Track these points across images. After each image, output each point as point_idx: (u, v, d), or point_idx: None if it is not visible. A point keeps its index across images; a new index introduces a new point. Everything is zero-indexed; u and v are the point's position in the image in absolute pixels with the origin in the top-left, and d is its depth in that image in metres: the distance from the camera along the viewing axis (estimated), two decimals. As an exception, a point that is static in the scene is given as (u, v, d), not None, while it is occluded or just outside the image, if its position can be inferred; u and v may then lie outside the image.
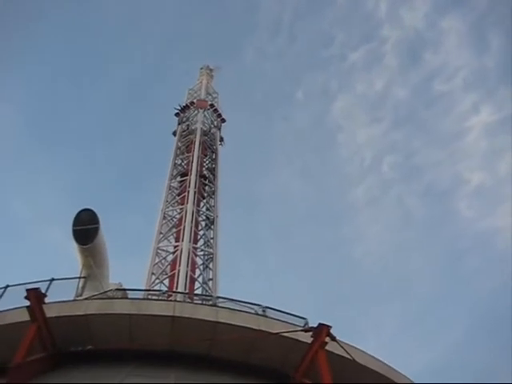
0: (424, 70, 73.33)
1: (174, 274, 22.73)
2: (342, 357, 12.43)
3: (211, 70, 41.79)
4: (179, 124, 35.13)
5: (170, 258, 24.81)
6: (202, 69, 41.89)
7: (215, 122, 36.05)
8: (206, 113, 35.84)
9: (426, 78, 73.65)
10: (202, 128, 33.20)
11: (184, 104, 36.52)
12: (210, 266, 25.61)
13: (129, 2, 77.71)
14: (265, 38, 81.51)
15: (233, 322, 12.76)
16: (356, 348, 13.39)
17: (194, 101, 36.62)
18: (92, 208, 19.41)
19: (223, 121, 36.34)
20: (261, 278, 64.46)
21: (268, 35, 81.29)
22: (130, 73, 77.24)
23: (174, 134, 34.37)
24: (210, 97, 38.30)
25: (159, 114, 65.09)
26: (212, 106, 36.46)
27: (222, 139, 35.00)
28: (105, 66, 77.82)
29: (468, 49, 76.30)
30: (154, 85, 76.99)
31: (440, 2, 72.02)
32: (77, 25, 73.26)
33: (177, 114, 36.05)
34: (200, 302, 18.31)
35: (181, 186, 28.78)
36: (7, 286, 14.75)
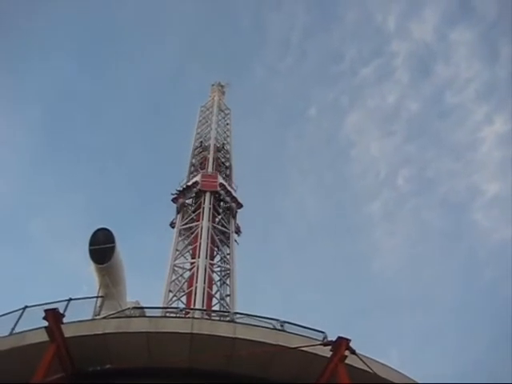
0: (435, 83, 73.61)
1: (191, 290, 22.71)
2: (363, 370, 12.24)
3: (222, 87, 42.06)
4: (178, 212, 28.23)
5: (187, 274, 24.80)
6: (213, 85, 42.19)
7: (228, 205, 28.81)
8: (218, 129, 35.78)
9: (437, 91, 73.86)
10: (215, 144, 33.32)
11: (184, 185, 29.11)
12: (227, 281, 25.54)
13: (143, 20, 79.06)
14: (274, 55, 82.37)
15: (251, 338, 12.67)
16: (376, 361, 13.19)
17: (198, 179, 28.69)
18: (108, 227, 19.52)
19: (239, 206, 29.13)
20: (279, 293, 64.19)
21: (278, 53, 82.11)
22: (143, 91, 78.33)
23: (172, 225, 28.22)
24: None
25: (172, 130, 65.65)
26: (223, 186, 29.03)
27: (238, 229, 28.45)
28: (118, 85, 78.99)
29: (478, 60, 76.24)
30: (167, 103, 77.80)
31: (448, 14, 72.28)
32: (90, 43, 74.80)
33: (174, 200, 28.74)
34: (218, 318, 18.22)
35: (196, 202, 28.80)
36: (26, 307, 14.82)
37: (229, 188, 29.31)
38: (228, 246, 27.43)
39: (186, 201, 29.06)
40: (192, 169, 31.98)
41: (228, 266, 26.03)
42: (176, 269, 25.32)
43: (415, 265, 71.85)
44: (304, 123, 79.13)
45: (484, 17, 72.62)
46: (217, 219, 28.43)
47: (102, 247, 18.89)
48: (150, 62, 79.83)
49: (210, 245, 25.48)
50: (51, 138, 78.02)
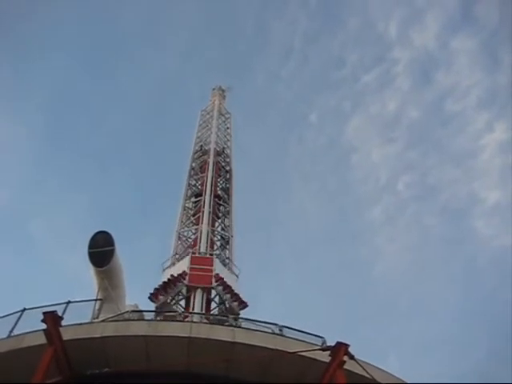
0: (436, 90, 73.77)
1: (190, 295, 22.62)
2: (362, 376, 12.23)
3: (223, 91, 42.06)
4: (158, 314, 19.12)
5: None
6: (214, 89, 42.19)
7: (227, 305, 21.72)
8: (218, 133, 35.85)
9: (438, 98, 74.09)
10: (215, 148, 33.34)
11: (165, 278, 21.40)
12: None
13: (145, 23, 79.43)
14: (277, 60, 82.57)
15: (250, 342, 12.66)
16: (375, 366, 13.18)
17: (186, 269, 21.32)
18: (107, 230, 19.51)
19: (243, 306, 21.34)
20: (279, 298, 64.09)
21: (280, 58, 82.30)
22: (145, 93, 78.47)
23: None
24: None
25: (174, 133, 65.79)
26: (220, 279, 21.30)
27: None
28: (119, 87, 79.35)
29: (479, 67, 76.40)
30: (169, 105, 77.87)
31: (450, 22, 72.46)
32: (92, 45, 75.08)
33: (152, 297, 20.64)
34: (216, 322, 18.17)
35: (195, 207, 28.76)
36: (24, 310, 14.82)
37: (228, 281, 21.58)
38: (227, 250, 26.65)
39: (186, 204, 29.05)
40: (192, 172, 31.99)
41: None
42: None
43: (416, 271, 71.86)
44: (306, 128, 79.54)
45: (485, 25, 73.03)
46: (216, 223, 28.03)
47: (101, 250, 18.84)
48: (152, 65, 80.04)
49: (209, 249, 25.28)
50: (53, 139, 78.31)
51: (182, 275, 21.08)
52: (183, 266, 21.81)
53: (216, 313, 22.55)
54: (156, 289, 21.10)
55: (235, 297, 21.51)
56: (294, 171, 78.29)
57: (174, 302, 21.72)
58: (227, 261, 24.68)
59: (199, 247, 23.78)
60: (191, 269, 21.36)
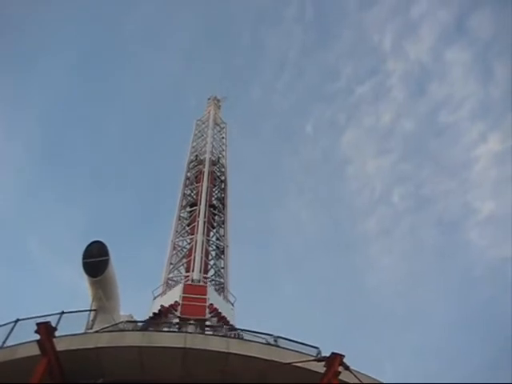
0: (430, 102, 74.57)
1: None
2: (356, 386, 12.22)
3: (218, 101, 42.21)
4: None
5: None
6: (209, 99, 42.33)
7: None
8: (214, 143, 35.91)
9: (432, 109, 74.96)
10: (210, 158, 33.36)
11: (156, 309, 19.57)
12: (221, 296, 25.35)
13: (143, 36, 79.85)
14: (272, 73, 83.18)
15: (244, 353, 12.63)
16: (370, 377, 13.16)
17: (178, 299, 19.58)
18: (102, 240, 19.47)
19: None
20: (274, 308, 63.95)
21: (275, 70, 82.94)
22: (142, 106, 78.65)
23: None
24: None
25: (171, 145, 65.91)
26: (215, 310, 19.59)
27: None
28: (116, 100, 79.48)
29: (473, 79, 77.16)
30: (166, 118, 78.07)
31: (444, 34, 73.30)
32: (91, 58, 75.31)
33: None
34: (211, 332, 18.09)
35: (190, 216, 28.68)
36: (17, 320, 14.71)
37: (224, 312, 20.00)
38: (222, 259, 26.54)
39: (181, 214, 29.03)
40: (187, 182, 31.97)
41: (222, 280, 25.71)
42: (170, 282, 25.18)
43: (410, 281, 72.15)
44: (301, 140, 79.96)
45: (479, 37, 73.75)
46: (211, 233, 28.06)
47: (95, 260, 18.82)
48: (149, 78, 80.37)
49: (204, 258, 25.21)
50: (49, 152, 78.21)
51: (174, 306, 19.36)
52: (175, 295, 20.17)
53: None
54: (145, 321, 19.03)
55: (231, 328, 18.74)
56: (289, 182, 78.67)
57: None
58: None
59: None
60: (184, 298, 19.64)
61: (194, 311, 19.02)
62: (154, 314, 19.28)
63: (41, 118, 75.61)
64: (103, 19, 75.74)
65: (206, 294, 20.10)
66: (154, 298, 21.15)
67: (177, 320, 18.22)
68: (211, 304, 19.67)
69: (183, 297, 19.69)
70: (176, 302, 19.50)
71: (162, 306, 19.59)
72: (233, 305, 21.94)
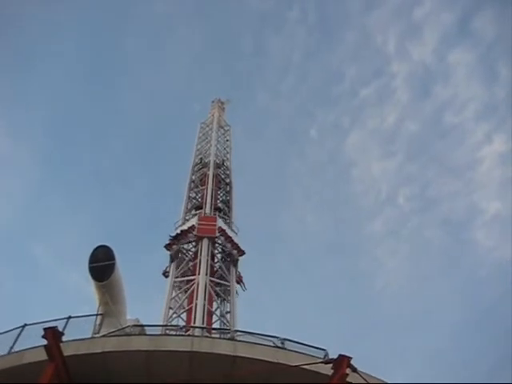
0: (435, 103, 74.40)
1: (192, 307, 22.57)
2: (364, 388, 12.16)
3: (222, 103, 42.15)
4: (173, 261, 25.76)
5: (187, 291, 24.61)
6: (213, 102, 42.30)
7: (227, 252, 26.44)
8: (218, 145, 35.89)
9: (437, 111, 74.52)
10: (215, 161, 33.35)
11: (178, 230, 26.28)
12: (228, 298, 25.38)
13: (147, 44, 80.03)
14: (275, 77, 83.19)
15: (251, 356, 12.60)
16: (378, 378, 13.10)
17: (195, 223, 26.00)
18: (108, 244, 19.47)
19: (241, 253, 26.57)
20: (281, 310, 63.91)
21: (279, 74, 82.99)
22: (146, 112, 78.84)
23: (165, 274, 25.72)
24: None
25: (175, 150, 66.06)
26: (223, 231, 26.25)
27: (240, 279, 26.00)
28: (121, 106, 79.60)
29: (477, 80, 77.13)
30: (170, 124, 78.35)
31: (447, 36, 73.22)
32: (95, 65, 75.40)
33: (167, 246, 26.06)
34: (218, 335, 18.09)
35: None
36: (25, 325, 14.74)
37: (229, 233, 26.40)
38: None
39: (187, 217, 28.98)
40: (192, 185, 31.96)
41: (228, 283, 25.83)
42: (176, 285, 25.21)
43: (417, 283, 71.91)
44: (306, 143, 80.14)
45: (483, 38, 73.47)
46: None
47: (101, 264, 18.79)
48: (154, 83, 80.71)
49: (209, 261, 25.29)
50: (55, 159, 78.51)
51: (192, 228, 25.75)
52: (192, 222, 26.39)
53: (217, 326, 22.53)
54: (170, 239, 26.04)
55: (235, 245, 26.32)
56: (294, 184, 78.90)
57: (184, 251, 26.27)
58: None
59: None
60: (199, 223, 25.94)
61: (206, 231, 25.55)
62: (177, 234, 25.89)
63: (45, 124, 76.08)
64: (107, 21, 76.07)
65: (215, 221, 26.25)
66: (176, 228, 26.74)
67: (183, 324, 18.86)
68: (220, 227, 26.00)
69: (199, 223, 25.99)
70: (193, 225, 25.95)
71: (181, 230, 26.07)
72: (236, 233, 27.30)
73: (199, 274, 23.98)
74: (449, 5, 74.93)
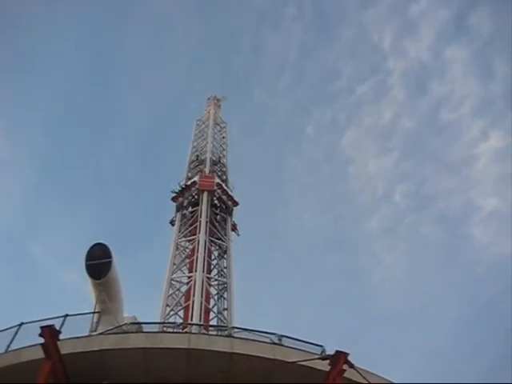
0: (431, 100, 74.59)
1: (189, 305, 22.59)
2: (361, 384, 12.22)
3: (218, 100, 42.04)
4: (178, 211, 29.58)
5: (184, 288, 24.67)
6: (209, 99, 42.19)
7: (223, 205, 30.11)
8: (214, 142, 35.87)
9: (433, 108, 74.62)
10: (211, 158, 33.32)
11: (183, 185, 30.30)
12: (225, 295, 25.42)
13: (146, 42, 79.84)
14: (272, 74, 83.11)
15: (248, 353, 12.62)
16: (375, 374, 13.15)
17: (196, 179, 29.98)
18: (104, 242, 19.43)
19: (235, 204, 30.50)
20: (278, 307, 64.02)
21: (276, 71, 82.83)
22: (144, 111, 78.69)
23: (172, 223, 29.55)
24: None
25: (172, 148, 66.13)
26: (219, 186, 30.12)
27: (235, 227, 29.84)
28: (119, 105, 79.55)
29: (473, 76, 77.26)
30: (167, 122, 78.22)
31: (443, 32, 73.30)
32: (94, 65, 75.28)
33: (174, 199, 30.08)
34: (215, 333, 18.11)
35: (192, 216, 28.75)
36: (21, 324, 14.72)
37: (225, 187, 30.57)
38: (225, 259, 27.33)
39: (187, 211, 29.32)
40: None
41: (225, 280, 25.95)
42: (173, 283, 25.19)
43: (414, 279, 72.13)
44: (302, 140, 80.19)
45: (479, 34, 73.64)
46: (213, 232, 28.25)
47: (98, 262, 18.74)
48: (152, 81, 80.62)
49: (206, 258, 25.37)
50: (53, 158, 78.35)
51: (194, 183, 29.78)
52: (194, 178, 30.19)
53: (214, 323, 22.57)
54: (176, 192, 29.88)
55: (230, 198, 30.18)
56: (291, 181, 78.92)
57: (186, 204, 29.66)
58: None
59: (196, 257, 25.19)
60: (200, 180, 29.79)
61: (206, 185, 29.46)
62: (182, 187, 29.94)
63: (45, 123, 75.92)
64: (107, 21, 75.89)
65: (214, 178, 30.17)
66: (180, 186, 30.34)
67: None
68: (217, 182, 29.96)
69: (200, 179, 29.84)
70: (195, 181, 29.86)
71: (185, 184, 30.17)
72: (231, 189, 31.01)
73: (196, 270, 24.07)
74: (445, 1, 75.38)
